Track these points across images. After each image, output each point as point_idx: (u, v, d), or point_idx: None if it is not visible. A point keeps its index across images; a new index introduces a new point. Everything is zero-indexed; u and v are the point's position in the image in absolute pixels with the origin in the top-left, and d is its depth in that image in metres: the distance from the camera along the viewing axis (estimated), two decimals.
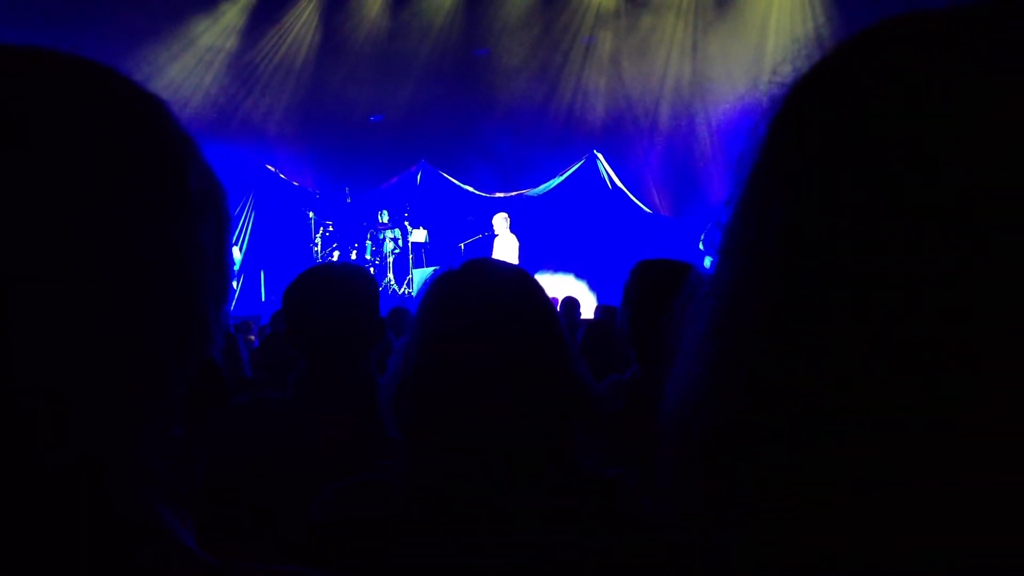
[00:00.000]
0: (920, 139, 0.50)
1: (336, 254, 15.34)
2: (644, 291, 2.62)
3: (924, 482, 0.48)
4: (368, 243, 15.53)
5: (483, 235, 14.45)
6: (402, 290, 15.21)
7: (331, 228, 15.64)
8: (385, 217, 15.55)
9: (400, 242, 15.50)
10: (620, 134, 15.52)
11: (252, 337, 8.51)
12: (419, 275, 14.71)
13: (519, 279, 1.51)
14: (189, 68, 15.74)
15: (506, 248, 13.69)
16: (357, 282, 2.32)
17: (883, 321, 0.49)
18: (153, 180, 0.63)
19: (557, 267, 15.10)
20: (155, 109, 0.66)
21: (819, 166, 0.54)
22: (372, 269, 15.20)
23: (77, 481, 0.60)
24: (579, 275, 15.22)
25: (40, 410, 0.57)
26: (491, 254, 13.47)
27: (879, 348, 0.49)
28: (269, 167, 16.64)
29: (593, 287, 14.88)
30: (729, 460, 0.57)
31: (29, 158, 0.57)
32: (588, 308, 11.11)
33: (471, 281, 1.49)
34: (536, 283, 1.53)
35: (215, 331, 0.68)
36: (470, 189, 16.14)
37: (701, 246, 12.95)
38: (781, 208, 0.56)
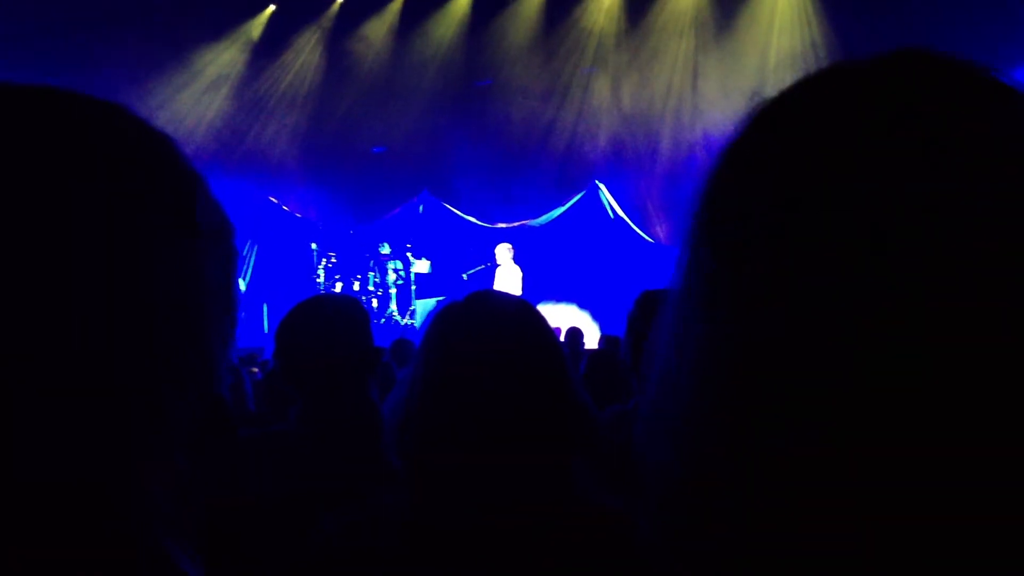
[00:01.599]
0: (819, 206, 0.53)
1: (339, 285, 15.37)
2: (647, 322, 2.63)
3: (879, 513, 0.50)
4: (371, 274, 15.57)
5: (486, 265, 14.47)
6: (405, 321, 15.21)
7: (334, 259, 15.69)
8: (387, 249, 15.60)
9: (403, 273, 15.54)
10: (622, 164, 15.57)
11: (255, 369, 8.50)
12: (422, 306, 14.73)
13: (522, 311, 1.52)
14: (192, 100, 15.85)
15: (509, 278, 13.70)
16: (345, 313, 2.32)
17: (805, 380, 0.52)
18: (161, 216, 0.64)
19: (560, 297, 15.11)
20: (163, 146, 0.68)
21: (743, 233, 0.57)
22: (375, 300, 15.22)
23: (82, 514, 0.60)
24: (582, 305, 15.22)
25: (43, 441, 0.57)
26: (494, 284, 13.47)
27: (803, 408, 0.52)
28: (272, 199, 16.72)
29: (596, 317, 14.88)
30: (696, 499, 0.59)
31: (39, 193, 0.58)
32: (592, 338, 11.11)
33: (475, 313, 1.50)
34: (539, 315, 1.54)
35: (220, 366, 0.68)
36: (472, 220, 16.18)
37: None
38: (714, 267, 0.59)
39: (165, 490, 0.65)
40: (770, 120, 0.60)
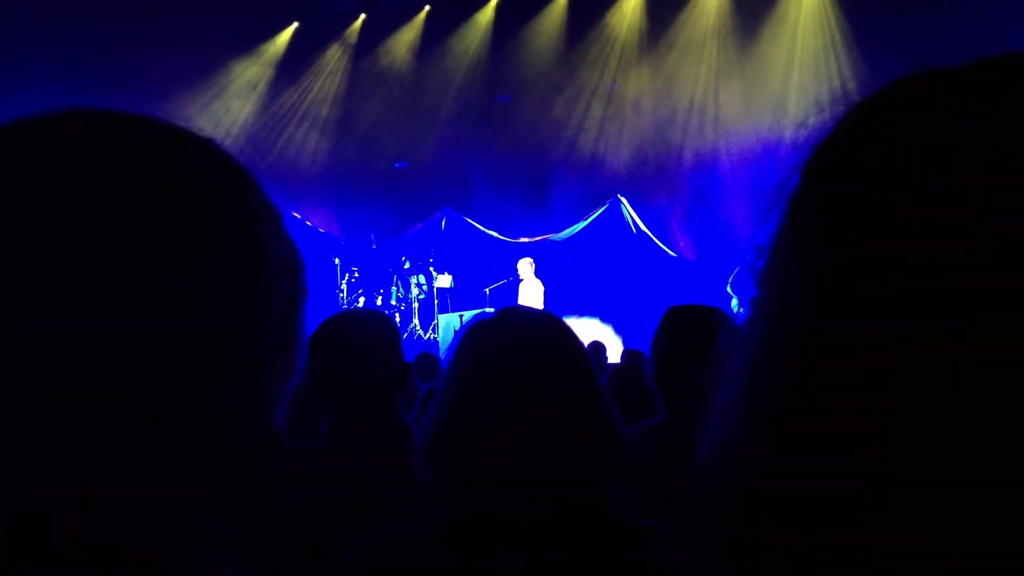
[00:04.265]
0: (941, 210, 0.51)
1: (362, 300, 15.39)
2: (673, 338, 2.62)
3: (955, 538, 0.49)
4: (393, 289, 15.59)
5: (508, 280, 14.46)
6: (427, 335, 15.21)
7: (357, 274, 15.73)
8: (409, 264, 15.63)
9: (425, 287, 15.55)
10: (644, 178, 15.53)
11: None
12: (444, 320, 14.72)
13: (552, 327, 1.52)
14: (216, 116, 15.98)
15: (531, 293, 13.68)
16: (378, 328, 2.32)
17: (894, 387, 0.50)
18: (235, 249, 0.64)
19: (582, 311, 15.06)
20: (246, 180, 0.68)
21: (838, 236, 0.55)
22: (398, 315, 15.24)
23: (140, 542, 0.60)
24: (604, 319, 15.17)
25: (103, 469, 0.57)
26: (516, 299, 13.46)
27: (887, 418, 0.51)
28: (295, 214, 16.82)
29: (619, 331, 14.83)
30: (756, 518, 0.58)
31: (125, 222, 0.58)
32: (614, 352, 11.07)
33: (504, 330, 1.49)
34: (570, 332, 1.53)
35: (278, 403, 0.68)
36: (494, 234, 16.19)
37: (729, 289, 12.88)
38: (801, 275, 0.57)
39: (220, 518, 0.65)
40: (884, 119, 0.58)
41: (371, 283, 15.81)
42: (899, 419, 0.50)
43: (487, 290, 14.73)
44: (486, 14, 16.22)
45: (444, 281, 15.55)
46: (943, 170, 0.51)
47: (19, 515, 0.56)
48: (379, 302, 15.44)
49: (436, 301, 15.48)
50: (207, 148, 0.67)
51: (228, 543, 0.65)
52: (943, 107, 0.54)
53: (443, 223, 16.66)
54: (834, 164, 0.59)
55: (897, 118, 0.57)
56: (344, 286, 15.62)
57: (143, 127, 0.64)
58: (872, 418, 0.51)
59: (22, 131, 0.61)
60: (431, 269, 15.60)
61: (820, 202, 0.58)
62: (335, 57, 16.80)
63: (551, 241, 15.88)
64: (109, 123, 0.63)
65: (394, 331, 2.34)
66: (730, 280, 13.09)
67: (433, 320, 15.33)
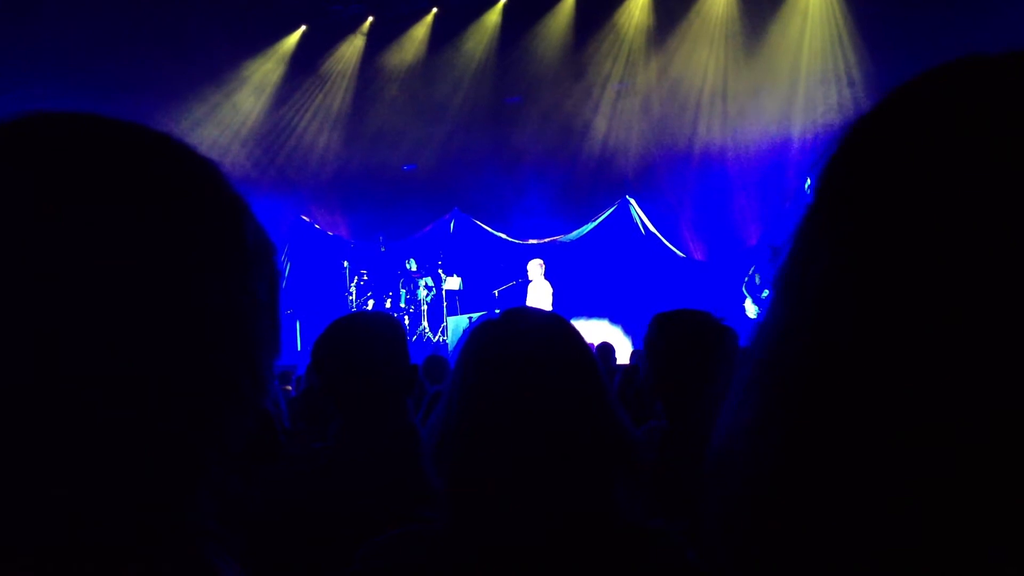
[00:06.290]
0: (977, 206, 0.50)
1: (371, 303, 15.44)
2: (666, 345, 2.62)
3: (966, 536, 0.48)
4: (402, 291, 15.63)
5: (517, 282, 14.47)
6: (437, 338, 15.23)
7: (366, 277, 15.77)
8: (413, 265, 15.65)
9: (434, 290, 15.58)
10: (652, 179, 15.51)
11: (288, 387, 8.55)
12: (453, 323, 14.74)
13: (558, 327, 1.52)
14: (224, 121, 16.04)
15: (540, 294, 13.68)
16: (384, 330, 2.32)
17: (912, 386, 0.49)
18: (214, 240, 0.65)
19: (591, 313, 15.06)
20: (212, 173, 0.69)
21: (864, 226, 0.54)
22: (407, 317, 15.27)
23: (135, 532, 0.60)
24: (613, 320, 15.16)
25: (102, 460, 0.58)
26: (525, 301, 13.46)
27: (907, 415, 0.50)
28: (304, 217, 16.88)
29: (628, 332, 14.81)
30: (770, 514, 0.57)
31: (98, 223, 0.59)
32: (623, 353, 11.06)
33: (510, 331, 1.49)
34: (576, 332, 1.53)
35: (268, 382, 0.70)
36: (503, 236, 16.20)
37: (744, 290, 12.86)
38: (823, 270, 0.56)
39: (216, 505, 0.66)
40: (927, 103, 0.56)
41: (380, 286, 15.85)
42: (921, 406, 0.49)
43: (496, 292, 14.74)
44: (493, 15, 16.23)
45: (453, 283, 15.57)
46: (984, 157, 0.50)
47: (15, 511, 0.56)
48: (388, 305, 15.48)
49: (445, 303, 15.51)
50: (170, 144, 0.68)
51: (223, 537, 0.66)
52: (988, 94, 0.53)
53: (452, 225, 16.68)
54: (871, 144, 0.58)
55: (941, 103, 0.55)
56: (353, 289, 15.67)
57: (102, 127, 0.64)
58: (894, 407, 0.50)
59: None
60: (440, 271, 15.63)
61: (855, 180, 0.57)
62: (343, 60, 16.84)
63: (560, 242, 15.88)
64: (66, 124, 0.63)
65: (401, 333, 2.35)
66: (745, 281, 13.07)
67: (442, 322, 15.35)
